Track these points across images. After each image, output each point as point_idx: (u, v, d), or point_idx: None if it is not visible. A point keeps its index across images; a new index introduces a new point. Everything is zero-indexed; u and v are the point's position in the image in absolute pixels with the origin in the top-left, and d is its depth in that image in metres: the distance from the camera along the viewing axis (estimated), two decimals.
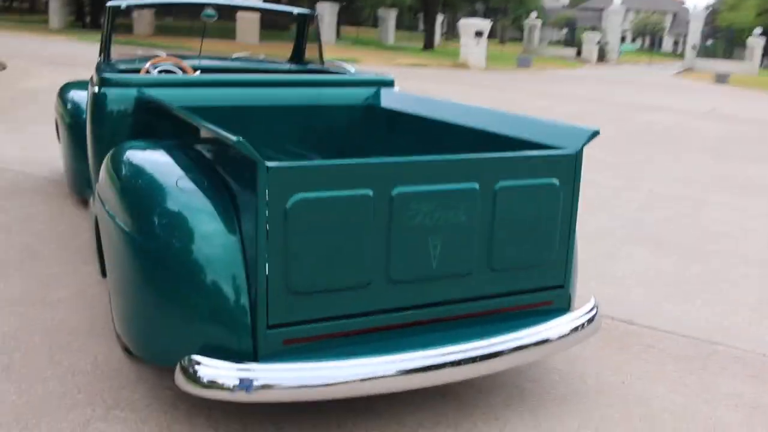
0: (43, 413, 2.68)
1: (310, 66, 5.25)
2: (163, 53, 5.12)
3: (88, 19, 34.83)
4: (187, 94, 3.78)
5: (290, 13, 5.06)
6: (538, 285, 2.77)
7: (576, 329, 2.77)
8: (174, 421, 2.66)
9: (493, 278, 2.66)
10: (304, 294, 2.36)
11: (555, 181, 2.69)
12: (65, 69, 13.65)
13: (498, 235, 2.62)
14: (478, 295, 2.66)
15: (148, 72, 4.55)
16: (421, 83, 16.51)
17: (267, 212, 2.24)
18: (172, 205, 2.53)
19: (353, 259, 2.39)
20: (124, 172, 2.83)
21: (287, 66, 5.31)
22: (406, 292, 2.51)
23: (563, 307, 2.84)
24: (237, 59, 5.37)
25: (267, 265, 2.27)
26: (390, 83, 4.26)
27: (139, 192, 2.66)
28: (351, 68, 4.82)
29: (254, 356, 2.34)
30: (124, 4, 4.57)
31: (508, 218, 2.62)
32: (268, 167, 2.22)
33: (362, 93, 4.14)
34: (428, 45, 33.48)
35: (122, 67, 4.67)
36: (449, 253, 2.53)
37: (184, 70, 4.66)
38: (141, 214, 2.55)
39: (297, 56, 5.34)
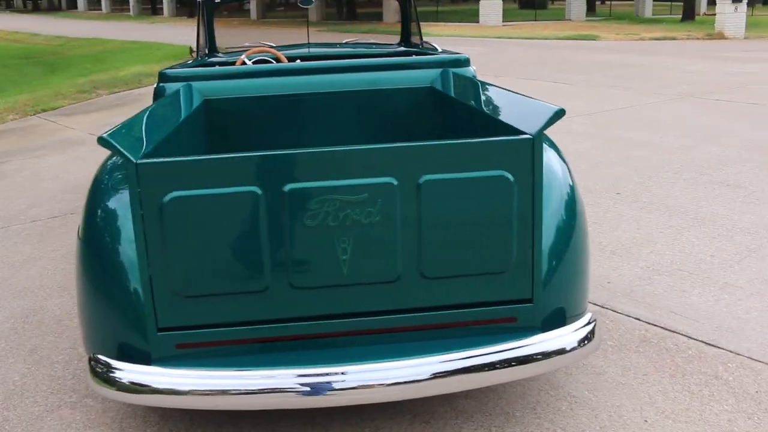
0: (29, 393, 2.85)
1: (407, 48, 5.00)
2: (271, 43, 5.21)
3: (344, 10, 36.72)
4: (249, 85, 3.78)
5: None
6: (494, 298, 2.33)
7: (542, 354, 2.30)
8: (128, 415, 2.67)
9: (428, 288, 2.29)
10: (195, 297, 2.21)
11: (505, 173, 2.23)
12: None
13: (428, 238, 2.23)
14: (409, 306, 2.30)
15: (243, 63, 4.64)
16: (654, 57, 15.13)
17: (141, 211, 2.14)
18: (97, 205, 2.54)
19: (245, 263, 2.19)
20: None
21: (381, 49, 5.11)
22: (312, 300, 2.25)
23: (532, 325, 2.37)
24: (345, 45, 5.29)
25: (147, 266, 2.18)
26: (461, 63, 3.89)
27: (89, 190, 2.69)
28: (438, 48, 4.52)
29: (149, 359, 2.27)
30: None
31: (440, 218, 2.22)
32: (136, 164, 2.11)
33: (425, 75, 3.83)
34: (687, 15, 30.50)
35: (222, 59, 4.83)
36: (363, 258, 2.22)
37: (278, 60, 4.69)
38: (83, 214, 2.59)
39: (404, 36, 5.11)
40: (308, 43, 5.24)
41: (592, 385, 2.77)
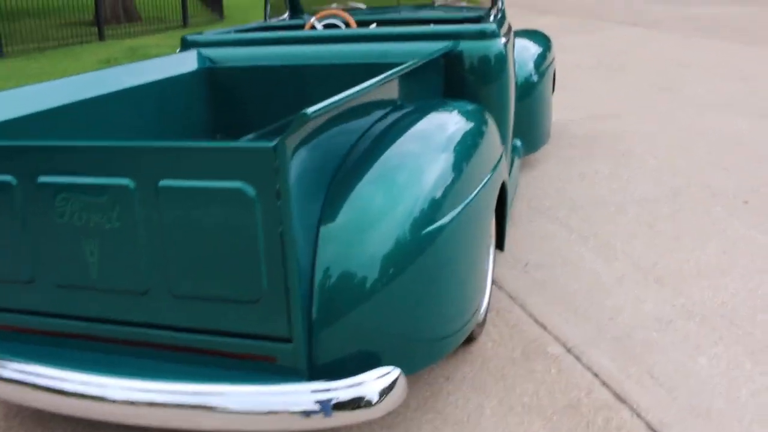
0: None
1: (477, 13, 4.36)
2: (361, 5, 4.90)
3: None
4: (260, 53, 3.63)
5: None
6: (249, 330, 1.95)
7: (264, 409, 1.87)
8: None
9: (179, 307, 1.99)
10: None
11: (244, 186, 1.82)
12: (544, 17, 13.86)
13: (172, 252, 1.95)
14: (161, 323, 2.03)
15: (313, 27, 4.43)
16: None
17: None
18: None
19: (12, 253, 2.13)
20: None
21: (454, 14, 4.50)
22: (72, 299, 2.12)
23: (296, 368, 1.94)
24: (435, 8, 4.79)
25: None
26: (486, 35, 3.30)
27: None
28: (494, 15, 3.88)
29: None
30: None
31: (183, 231, 1.92)
32: None
33: (436, 48, 3.31)
34: None
35: (288, 23, 4.66)
36: (111, 264, 2.02)
37: (348, 23, 4.40)
38: None
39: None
40: (399, 6, 4.85)
41: None
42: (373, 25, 4.45)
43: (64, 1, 13.89)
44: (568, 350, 2.75)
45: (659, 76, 8.01)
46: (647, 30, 11.80)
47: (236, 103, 3.61)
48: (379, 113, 2.51)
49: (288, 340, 1.92)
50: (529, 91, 4.60)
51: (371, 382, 1.91)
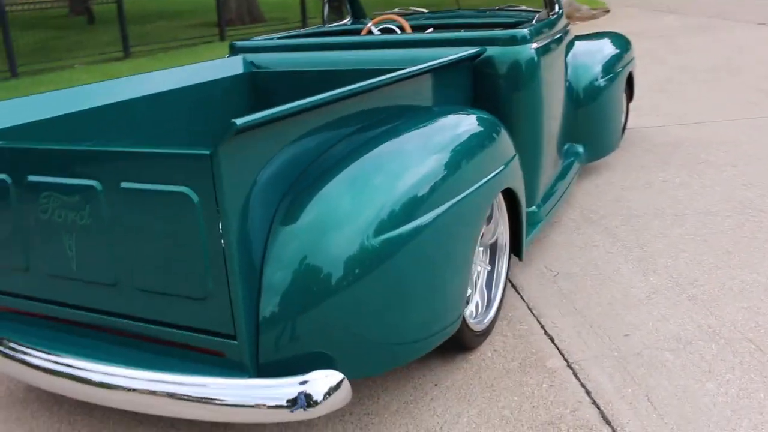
0: None
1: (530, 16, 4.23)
2: (422, 9, 4.90)
3: None
4: (305, 58, 3.72)
5: None
6: (201, 325, 2.03)
7: (213, 400, 1.93)
8: None
9: (141, 298, 2.12)
10: None
11: (186, 190, 1.90)
12: (668, 16, 13.28)
13: (132, 247, 2.07)
14: (126, 312, 2.16)
15: (370, 32, 4.49)
16: None
17: None
18: None
19: (12, 244, 2.31)
20: None
21: (504, 18, 4.38)
22: (59, 287, 2.28)
23: (243, 364, 1.99)
24: (492, 12, 4.69)
25: None
26: (516, 40, 3.23)
27: None
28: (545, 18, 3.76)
29: None
30: None
31: (139, 228, 2.04)
32: None
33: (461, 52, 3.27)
34: None
35: (348, 27, 4.72)
36: (85, 257, 2.17)
37: (403, 28, 4.42)
38: None
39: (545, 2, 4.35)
40: (458, 10, 4.81)
41: None
42: (430, 30, 4.43)
43: (194, 4, 14.70)
44: (569, 365, 2.65)
45: None
46: None
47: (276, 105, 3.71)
48: (369, 118, 2.52)
49: (233, 338, 1.98)
50: (593, 95, 4.44)
51: (315, 381, 1.93)
